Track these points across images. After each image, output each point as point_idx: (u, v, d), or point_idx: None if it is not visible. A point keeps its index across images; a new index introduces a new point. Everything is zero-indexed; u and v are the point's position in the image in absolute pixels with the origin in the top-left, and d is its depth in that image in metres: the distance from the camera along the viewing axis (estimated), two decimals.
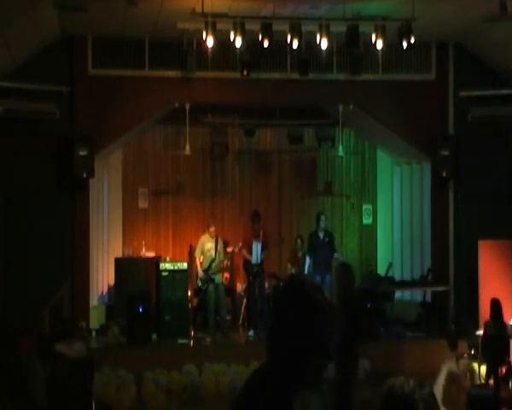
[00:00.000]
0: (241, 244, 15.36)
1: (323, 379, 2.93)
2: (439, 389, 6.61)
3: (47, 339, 11.71)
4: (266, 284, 15.84)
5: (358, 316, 10.79)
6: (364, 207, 17.90)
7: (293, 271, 16.08)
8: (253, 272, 15.07)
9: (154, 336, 14.17)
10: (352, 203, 17.69)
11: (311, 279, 3.04)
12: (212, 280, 14.71)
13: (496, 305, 12.17)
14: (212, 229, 14.94)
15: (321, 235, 15.53)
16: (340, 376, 8.85)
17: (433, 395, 4.44)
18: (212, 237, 14.90)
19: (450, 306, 14.95)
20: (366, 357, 13.48)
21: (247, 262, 15.42)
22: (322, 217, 15.70)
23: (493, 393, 5.14)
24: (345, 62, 14.84)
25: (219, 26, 12.13)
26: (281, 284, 15.38)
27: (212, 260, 14.72)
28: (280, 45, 13.24)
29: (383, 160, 17.66)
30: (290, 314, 2.89)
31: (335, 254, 15.51)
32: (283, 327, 2.90)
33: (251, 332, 15.06)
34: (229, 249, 15.74)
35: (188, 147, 15.40)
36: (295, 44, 12.36)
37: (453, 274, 15.24)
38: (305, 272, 15.91)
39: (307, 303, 2.89)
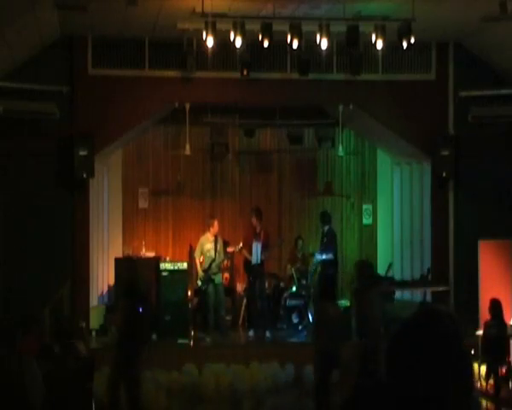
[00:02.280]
0: (241, 244, 15.37)
1: None
2: None
3: (48, 339, 11.73)
4: (266, 284, 15.86)
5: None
6: (364, 207, 17.90)
7: (293, 271, 16.09)
8: (253, 272, 15.08)
9: (154, 336, 14.17)
10: (351, 203, 17.69)
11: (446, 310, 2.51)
12: (212, 280, 14.72)
13: (496, 305, 12.18)
14: (215, 224, 14.93)
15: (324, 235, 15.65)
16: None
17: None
18: (214, 234, 14.90)
19: (450, 306, 14.94)
20: None
21: (247, 262, 15.43)
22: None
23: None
24: (345, 62, 14.83)
25: (219, 26, 12.13)
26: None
27: (212, 261, 14.72)
28: (280, 45, 13.25)
29: (383, 160, 17.66)
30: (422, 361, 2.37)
31: (316, 254, 15.57)
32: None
33: (251, 332, 15.08)
34: (230, 250, 15.75)
35: (188, 147, 15.40)
36: (295, 44, 12.36)
37: (453, 274, 15.23)
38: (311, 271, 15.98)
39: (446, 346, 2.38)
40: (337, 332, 10.64)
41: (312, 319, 15.45)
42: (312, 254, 15.99)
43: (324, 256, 15.44)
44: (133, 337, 10.65)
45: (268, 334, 14.95)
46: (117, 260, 15.63)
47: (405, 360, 2.39)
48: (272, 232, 16.36)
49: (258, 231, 15.29)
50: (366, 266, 11.72)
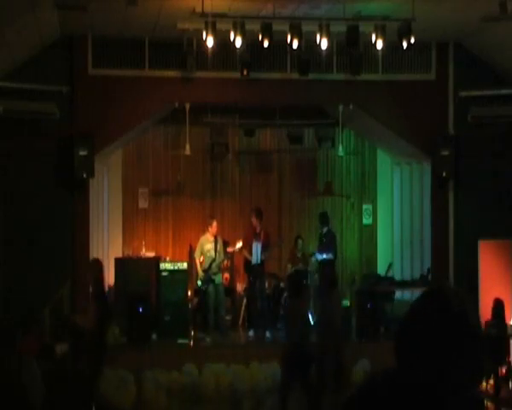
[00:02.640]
0: (240, 243, 15.37)
1: None
2: None
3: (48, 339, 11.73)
4: (266, 284, 15.86)
5: None
6: (364, 207, 17.90)
7: (293, 271, 16.08)
8: (254, 272, 15.08)
9: (154, 336, 14.16)
10: (351, 203, 17.69)
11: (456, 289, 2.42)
12: (213, 280, 14.72)
13: (498, 305, 12.18)
14: (214, 224, 14.93)
15: (323, 236, 15.68)
16: None
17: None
18: (213, 235, 14.90)
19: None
20: (366, 357, 13.52)
21: (247, 262, 15.43)
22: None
23: None
24: (345, 62, 14.83)
25: (219, 26, 12.13)
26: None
27: (213, 261, 14.72)
28: (280, 45, 13.25)
29: (383, 160, 17.66)
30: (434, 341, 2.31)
31: (316, 253, 15.59)
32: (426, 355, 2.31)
33: (251, 332, 15.07)
34: (230, 249, 15.75)
35: (188, 147, 15.40)
36: (295, 44, 12.36)
37: (453, 274, 15.23)
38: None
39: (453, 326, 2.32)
40: (306, 329, 10.59)
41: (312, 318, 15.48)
42: (312, 254, 15.98)
43: (324, 256, 15.46)
44: (102, 338, 10.65)
45: (268, 334, 14.95)
46: (117, 260, 15.62)
47: (414, 346, 2.35)
48: (272, 232, 16.36)
49: (258, 231, 15.29)
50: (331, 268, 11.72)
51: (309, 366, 10.78)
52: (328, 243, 15.65)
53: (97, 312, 10.66)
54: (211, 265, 14.72)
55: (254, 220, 15.36)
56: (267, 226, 16.02)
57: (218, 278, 14.86)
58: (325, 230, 15.78)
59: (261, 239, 15.21)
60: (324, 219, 15.89)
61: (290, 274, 15.67)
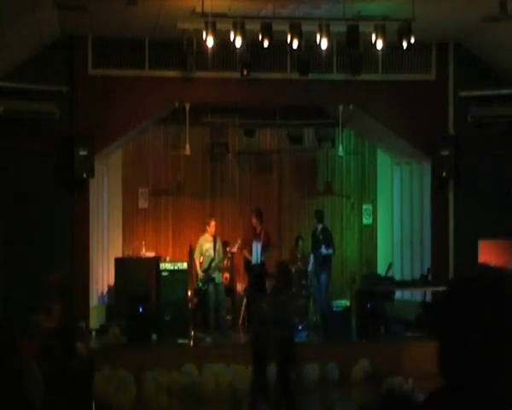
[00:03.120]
0: (239, 241, 15.35)
1: None
2: None
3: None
4: (267, 284, 15.86)
5: None
6: (364, 207, 17.90)
7: (293, 271, 16.08)
8: (254, 272, 15.08)
9: (154, 336, 14.16)
10: (351, 203, 17.69)
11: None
12: (213, 279, 14.73)
13: None
14: (212, 224, 14.95)
15: (319, 233, 15.65)
16: None
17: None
18: (212, 234, 14.92)
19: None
20: (366, 357, 13.52)
21: (247, 262, 15.43)
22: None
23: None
24: (345, 62, 14.84)
25: (219, 26, 12.13)
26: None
27: (212, 260, 14.75)
28: (280, 45, 13.25)
29: (383, 160, 17.66)
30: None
31: (323, 248, 15.58)
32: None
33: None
34: (231, 250, 15.75)
35: (188, 147, 15.41)
36: (295, 44, 12.36)
37: (453, 274, 15.24)
38: (309, 270, 16.00)
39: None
40: (270, 327, 10.48)
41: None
42: (315, 250, 15.96)
43: (330, 251, 15.58)
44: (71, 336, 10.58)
45: None
46: (117, 260, 15.63)
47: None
48: (272, 233, 16.38)
49: (258, 231, 15.31)
50: (285, 269, 11.59)
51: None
52: (327, 238, 15.72)
53: (62, 311, 10.50)
54: (210, 264, 14.74)
55: (254, 221, 15.39)
56: (267, 227, 16.04)
57: (218, 278, 14.87)
58: (320, 227, 15.83)
59: (261, 239, 15.22)
60: (321, 215, 15.99)
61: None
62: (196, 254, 15.02)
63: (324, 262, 15.59)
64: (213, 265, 14.74)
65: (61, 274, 11.00)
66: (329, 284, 15.84)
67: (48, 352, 9.87)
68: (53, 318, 10.49)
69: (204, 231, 15.42)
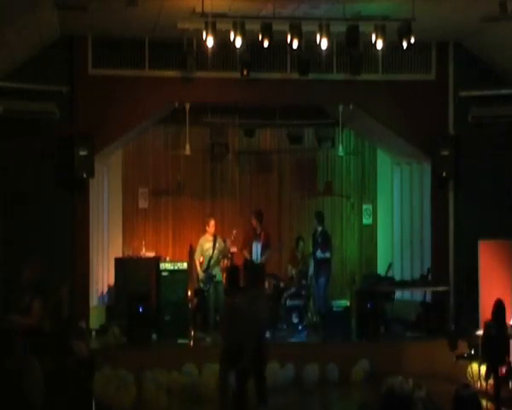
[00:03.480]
0: (235, 232, 15.31)
1: None
2: None
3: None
4: (267, 284, 15.87)
5: None
6: (364, 207, 17.89)
7: (294, 272, 16.08)
8: (253, 269, 15.08)
9: (154, 336, 14.17)
10: (351, 203, 17.68)
11: None
12: (214, 277, 14.74)
13: (499, 306, 12.15)
14: (212, 223, 14.97)
15: (318, 236, 15.67)
16: None
17: (430, 395, 4.44)
18: (211, 235, 14.93)
19: (450, 306, 14.95)
20: (366, 357, 13.52)
21: (246, 262, 15.42)
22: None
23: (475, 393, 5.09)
24: (345, 62, 14.84)
25: (219, 26, 12.12)
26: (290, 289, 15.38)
27: (210, 258, 14.78)
28: (280, 45, 13.24)
29: (383, 160, 17.65)
30: None
31: (318, 251, 15.59)
32: None
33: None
34: (232, 250, 15.75)
35: (188, 147, 15.40)
36: (295, 44, 12.34)
37: (453, 274, 15.24)
38: (310, 273, 15.99)
39: None
40: (242, 327, 10.37)
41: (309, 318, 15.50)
42: (312, 253, 15.97)
43: (327, 254, 15.57)
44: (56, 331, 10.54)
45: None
46: (117, 260, 15.63)
47: None
48: (272, 233, 16.40)
49: (258, 232, 15.34)
50: (253, 268, 11.56)
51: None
52: (326, 241, 15.73)
53: (42, 307, 10.37)
54: (209, 263, 14.76)
55: (254, 222, 15.43)
56: (267, 227, 16.05)
57: (218, 276, 14.89)
58: (320, 229, 15.84)
59: (261, 240, 15.23)
60: (321, 218, 16.01)
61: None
62: (197, 255, 15.05)
63: (321, 265, 15.58)
64: (212, 262, 14.77)
65: (32, 268, 10.80)
66: (328, 286, 15.81)
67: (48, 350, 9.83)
68: (33, 315, 10.35)
69: (204, 231, 15.44)
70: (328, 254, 15.65)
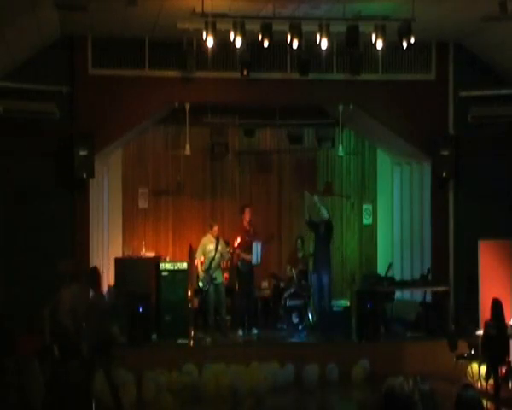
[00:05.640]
0: (239, 239, 15.25)
1: None
2: None
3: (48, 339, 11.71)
4: (266, 285, 15.87)
5: None
6: (364, 207, 17.90)
7: (293, 272, 16.08)
8: (243, 272, 15.13)
9: (154, 336, 14.17)
10: (351, 203, 17.69)
11: None
12: (214, 279, 14.72)
13: (497, 305, 12.17)
14: (215, 228, 14.95)
15: (321, 227, 15.50)
16: None
17: (432, 391, 4.43)
18: (214, 237, 14.91)
19: (450, 306, 14.95)
20: (366, 357, 13.52)
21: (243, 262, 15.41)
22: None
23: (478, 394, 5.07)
24: (345, 62, 14.84)
25: (219, 26, 12.12)
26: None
27: (212, 260, 14.76)
28: (280, 45, 13.24)
29: (383, 160, 17.66)
30: None
31: None
32: None
33: (239, 332, 15.04)
34: (232, 250, 15.74)
35: (188, 147, 15.40)
36: (295, 44, 12.34)
37: (453, 274, 15.24)
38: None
39: None
40: (95, 320, 10.52)
41: (311, 318, 15.49)
42: (312, 254, 15.96)
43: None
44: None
45: (255, 330, 14.98)
46: (117, 260, 15.63)
47: None
48: (272, 232, 16.41)
49: (251, 232, 15.26)
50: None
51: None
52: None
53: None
54: (211, 264, 14.74)
55: (247, 219, 15.35)
56: (267, 226, 16.05)
57: (219, 278, 14.87)
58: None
59: (258, 237, 15.18)
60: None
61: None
62: (198, 254, 15.00)
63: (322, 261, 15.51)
64: (214, 265, 14.74)
65: (69, 263, 11.02)
66: (332, 284, 15.72)
67: (49, 352, 9.87)
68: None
69: (205, 230, 15.44)
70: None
